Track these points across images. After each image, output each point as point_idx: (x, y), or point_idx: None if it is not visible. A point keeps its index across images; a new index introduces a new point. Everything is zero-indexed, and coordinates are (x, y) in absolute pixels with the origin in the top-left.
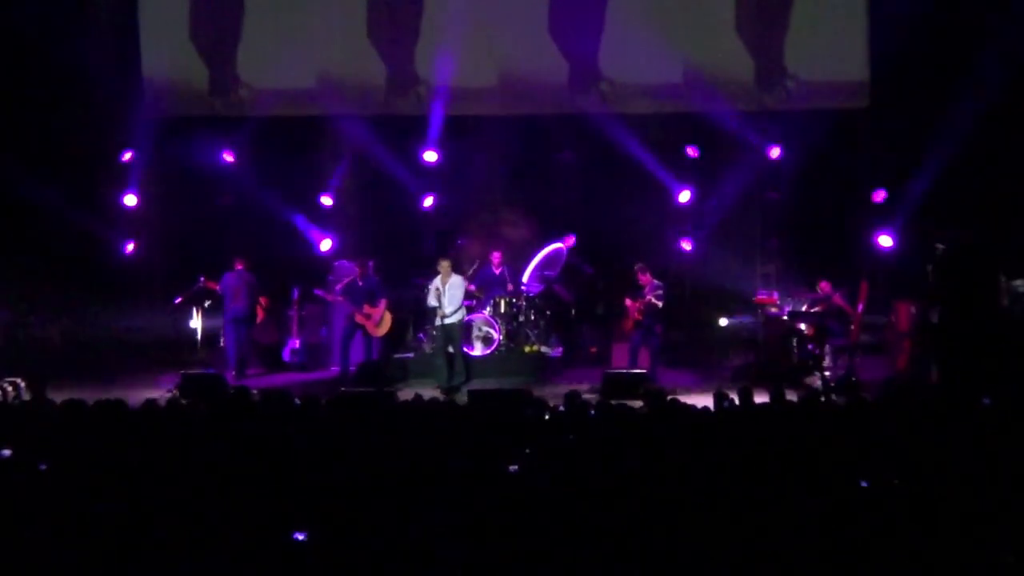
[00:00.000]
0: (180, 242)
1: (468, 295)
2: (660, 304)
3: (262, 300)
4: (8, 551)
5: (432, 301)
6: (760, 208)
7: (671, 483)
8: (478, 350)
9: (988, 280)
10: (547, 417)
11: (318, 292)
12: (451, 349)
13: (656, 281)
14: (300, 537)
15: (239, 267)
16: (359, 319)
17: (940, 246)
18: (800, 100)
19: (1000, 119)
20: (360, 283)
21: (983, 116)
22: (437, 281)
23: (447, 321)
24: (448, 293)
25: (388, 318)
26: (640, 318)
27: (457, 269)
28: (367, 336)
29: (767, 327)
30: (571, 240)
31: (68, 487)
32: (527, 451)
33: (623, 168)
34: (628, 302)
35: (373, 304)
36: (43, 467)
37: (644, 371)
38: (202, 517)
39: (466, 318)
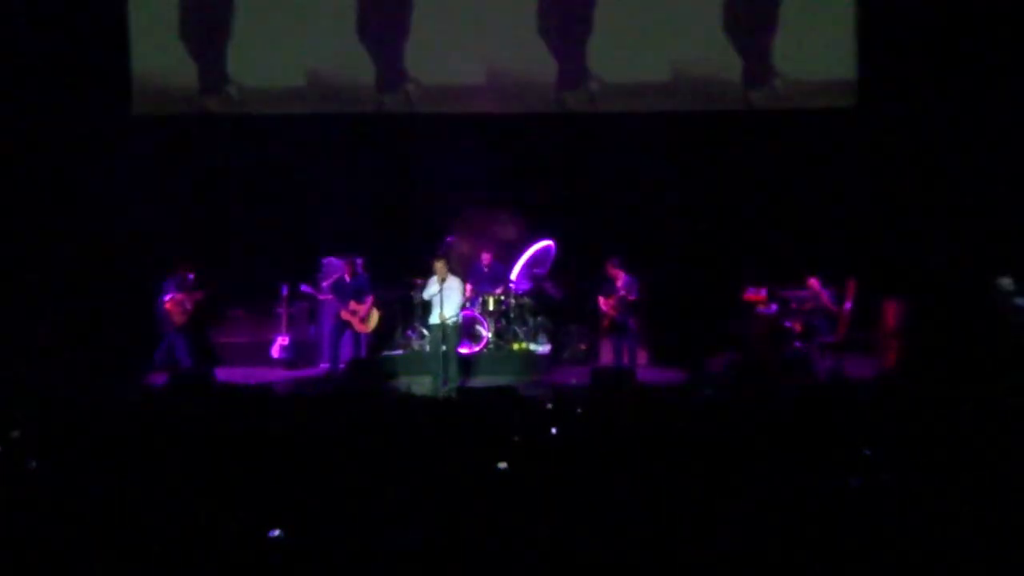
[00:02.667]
0: (169, 240)
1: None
2: (632, 298)
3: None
4: None
5: (430, 292)
6: (748, 206)
7: (659, 480)
8: (466, 348)
9: (976, 278)
10: (535, 414)
11: (305, 288)
12: (444, 349)
13: (628, 276)
14: (275, 534)
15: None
16: (345, 316)
17: (929, 244)
18: (788, 99)
19: (989, 117)
20: (348, 280)
21: (972, 114)
22: (435, 280)
23: (445, 322)
24: (446, 294)
25: (375, 315)
26: (615, 315)
27: (451, 270)
28: (356, 333)
29: (755, 325)
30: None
31: (57, 485)
32: (515, 448)
33: (611, 166)
34: (601, 300)
35: (360, 301)
36: (33, 464)
37: (630, 367)
38: (189, 515)
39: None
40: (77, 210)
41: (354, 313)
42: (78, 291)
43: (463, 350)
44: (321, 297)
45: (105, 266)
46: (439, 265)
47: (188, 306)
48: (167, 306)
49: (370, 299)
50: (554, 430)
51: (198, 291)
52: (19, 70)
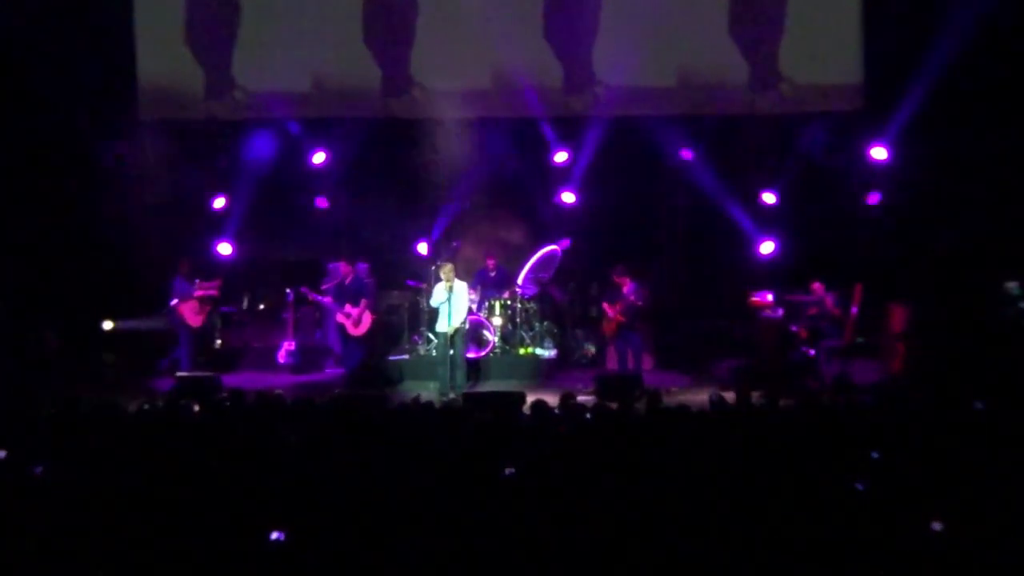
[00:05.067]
0: (175, 244)
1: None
2: (640, 304)
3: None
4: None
5: (438, 299)
6: (754, 210)
7: (666, 485)
8: (472, 353)
9: (982, 282)
10: (542, 419)
11: (305, 291)
12: (452, 353)
13: (634, 282)
14: (278, 537)
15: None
16: (339, 318)
17: (934, 248)
18: (794, 103)
19: (994, 121)
20: (347, 284)
21: (977, 117)
22: (443, 286)
23: (450, 327)
24: (455, 300)
25: (367, 318)
26: (623, 319)
27: (457, 274)
28: (362, 336)
29: (761, 329)
30: (566, 243)
31: (62, 490)
32: (522, 454)
33: (617, 171)
34: (606, 306)
35: (355, 304)
36: (38, 470)
37: (637, 372)
38: (195, 519)
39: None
40: (84, 213)
41: (348, 316)
42: (83, 295)
43: (470, 355)
44: (322, 300)
45: (110, 270)
46: (446, 270)
47: (203, 305)
48: (179, 308)
49: (364, 302)
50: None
51: (210, 286)
52: (28, 74)
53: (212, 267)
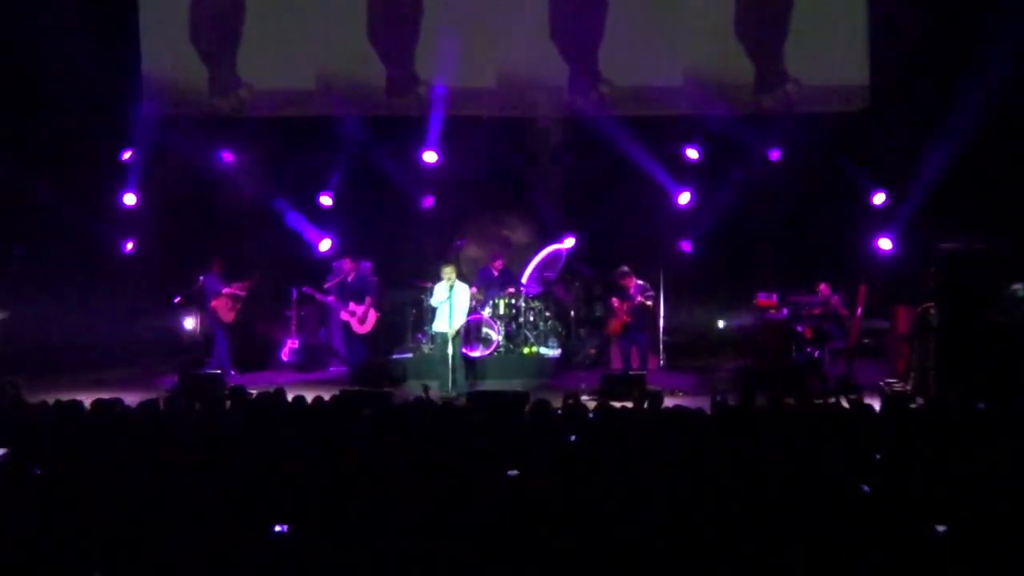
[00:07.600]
0: (179, 242)
1: (471, 300)
2: (650, 304)
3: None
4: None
5: (439, 299)
6: (759, 211)
7: (669, 486)
8: (477, 351)
9: (988, 284)
10: (546, 419)
11: (307, 290)
12: (450, 353)
13: (641, 283)
14: (280, 530)
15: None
16: (344, 316)
17: (940, 249)
18: (800, 103)
19: (1001, 121)
20: (349, 281)
21: (984, 119)
22: (443, 286)
23: (451, 328)
24: (456, 301)
25: (372, 316)
26: (629, 319)
27: (460, 274)
28: (364, 335)
29: (766, 330)
30: (570, 242)
31: (64, 488)
32: (525, 454)
33: (622, 170)
34: (615, 303)
35: (359, 302)
36: (38, 470)
37: (642, 372)
38: (198, 514)
39: (466, 319)
40: (89, 212)
41: (352, 314)
42: (89, 293)
43: (474, 353)
44: (325, 299)
45: (113, 269)
46: (448, 270)
47: (237, 302)
48: (214, 304)
49: (368, 300)
50: (572, 437)
51: (239, 286)
52: (33, 71)
53: (245, 267)
